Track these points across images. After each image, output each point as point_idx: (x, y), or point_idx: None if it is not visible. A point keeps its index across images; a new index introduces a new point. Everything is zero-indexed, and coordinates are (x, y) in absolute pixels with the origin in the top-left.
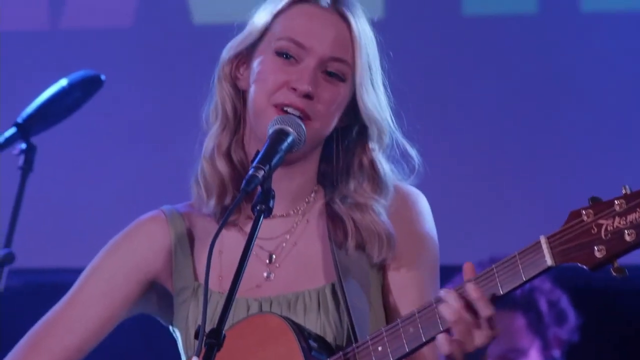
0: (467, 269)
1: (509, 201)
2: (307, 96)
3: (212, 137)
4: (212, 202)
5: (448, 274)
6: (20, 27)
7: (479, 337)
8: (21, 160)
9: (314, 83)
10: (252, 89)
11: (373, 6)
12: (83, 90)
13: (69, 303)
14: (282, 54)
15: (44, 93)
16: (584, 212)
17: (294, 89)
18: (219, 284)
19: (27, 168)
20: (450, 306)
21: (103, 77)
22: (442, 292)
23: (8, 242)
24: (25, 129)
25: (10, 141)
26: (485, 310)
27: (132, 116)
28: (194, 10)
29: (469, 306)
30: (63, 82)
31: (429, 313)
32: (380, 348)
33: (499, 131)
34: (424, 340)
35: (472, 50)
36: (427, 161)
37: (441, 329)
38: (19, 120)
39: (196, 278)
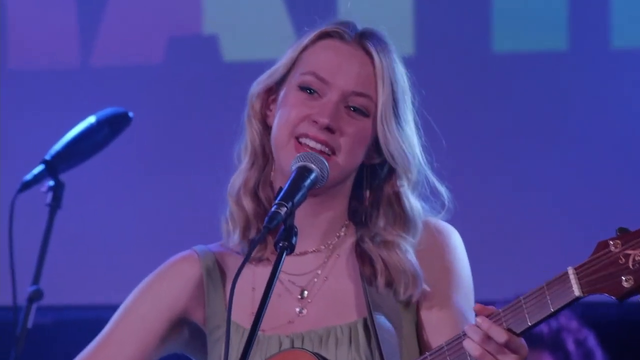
0: (477, 309)
1: (537, 233)
2: (329, 129)
3: (240, 174)
4: (237, 238)
5: None
6: (50, 65)
7: None
8: (49, 197)
9: (335, 117)
10: (275, 122)
11: (403, 42)
12: (111, 128)
13: (102, 343)
14: (305, 89)
15: (72, 130)
16: (611, 242)
17: (315, 122)
18: (251, 321)
19: (55, 205)
20: (471, 340)
21: (131, 114)
22: (466, 327)
23: (36, 279)
24: (54, 166)
25: (38, 178)
26: (500, 337)
27: (161, 153)
28: (224, 47)
29: (488, 337)
30: (91, 120)
31: (457, 346)
32: None
33: (530, 166)
34: None
35: (503, 86)
36: (458, 196)
37: None
38: (47, 157)
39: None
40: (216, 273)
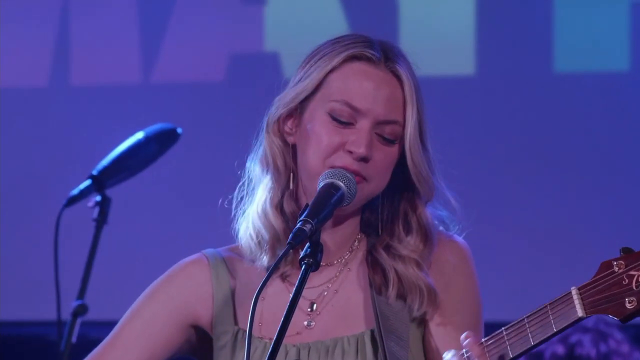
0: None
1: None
2: (363, 159)
3: (264, 190)
4: (267, 256)
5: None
6: (112, 81)
7: None
8: (96, 212)
9: (370, 146)
10: (306, 150)
11: (464, 62)
12: (159, 143)
13: (109, 345)
14: (336, 117)
15: (120, 145)
16: (615, 263)
17: (350, 152)
18: (259, 330)
19: (101, 220)
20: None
21: (179, 130)
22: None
23: (81, 294)
24: (101, 182)
25: (85, 193)
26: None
27: (216, 172)
28: (285, 66)
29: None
30: (139, 135)
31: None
32: None
33: (591, 187)
34: None
35: (563, 106)
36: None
37: None
38: (94, 172)
39: (236, 322)
40: (226, 279)
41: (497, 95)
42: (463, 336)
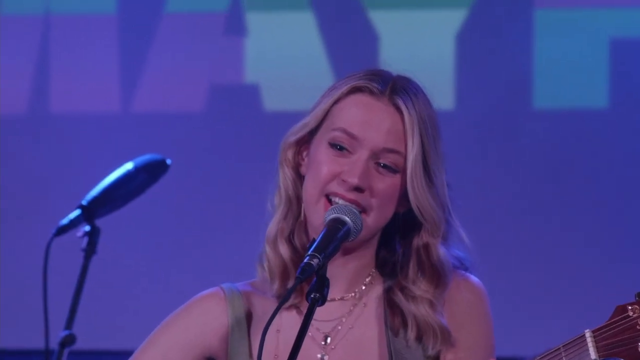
0: None
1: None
2: (358, 189)
3: (276, 221)
4: (276, 286)
5: None
6: (92, 109)
7: None
8: (84, 242)
9: (364, 176)
10: (308, 179)
11: (443, 97)
12: (149, 174)
13: None
14: (335, 145)
15: (109, 176)
16: (630, 307)
17: (344, 181)
18: None
19: (90, 250)
20: None
21: (169, 161)
22: None
23: (69, 324)
24: (90, 212)
25: (74, 223)
26: None
27: (200, 201)
28: (265, 97)
29: None
30: (129, 166)
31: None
32: None
33: (568, 223)
34: None
35: (542, 143)
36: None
37: None
38: (84, 202)
39: (251, 355)
40: (242, 313)
41: (477, 131)
42: None
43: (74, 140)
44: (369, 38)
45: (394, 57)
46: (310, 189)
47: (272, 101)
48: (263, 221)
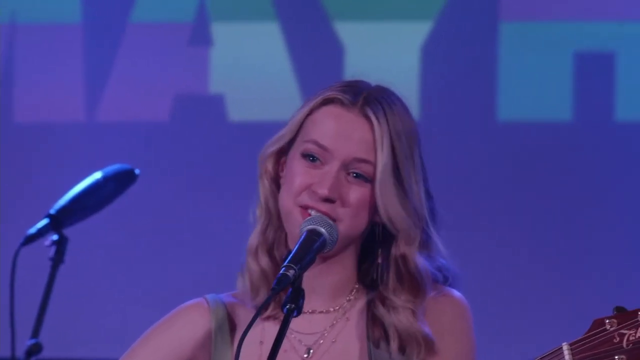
0: None
1: (533, 306)
2: (329, 200)
3: (257, 233)
4: (257, 297)
5: None
6: (56, 118)
7: None
8: (52, 251)
9: (335, 187)
10: (281, 190)
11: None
12: (117, 184)
13: None
14: (307, 156)
15: (77, 185)
16: (607, 321)
17: (315, 192)
18: None
19: (58, 259)
20: None
21: (137, 171)
22: None
23: (35, 333)
24: (58, 221)
25: (42, 232)
26: None
27: (166, 210)
28: (229, 107)
29: None
30: (97, 175)
31: None
32: None
33: (532, 236)
34: None
35: (506, 155)
36: (462, 262)
37: None
38: (52, 211)
39: None
40: (225, 324)
41: (440, 142)
42: None
43: (38, 150)
44: (335, 49)
45: (359, 69)
46: (284, 200)
47: (237, 111)
48: (228, 229)
